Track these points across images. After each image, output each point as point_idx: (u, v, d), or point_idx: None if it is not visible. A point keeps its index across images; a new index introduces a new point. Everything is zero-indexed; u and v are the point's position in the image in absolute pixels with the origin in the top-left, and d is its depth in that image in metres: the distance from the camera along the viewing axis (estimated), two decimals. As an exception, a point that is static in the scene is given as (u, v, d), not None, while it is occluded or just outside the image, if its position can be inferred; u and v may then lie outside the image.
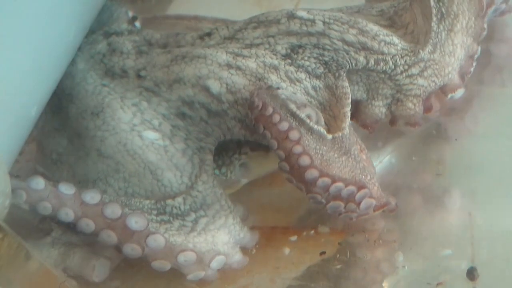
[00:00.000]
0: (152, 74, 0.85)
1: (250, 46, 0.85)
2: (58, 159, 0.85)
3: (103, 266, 0.80)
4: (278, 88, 0.81)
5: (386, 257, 0.84)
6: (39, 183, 0.76)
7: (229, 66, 0.82)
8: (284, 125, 0.77)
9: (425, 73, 0.85)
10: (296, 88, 0.83)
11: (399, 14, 0.89)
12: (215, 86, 0.82)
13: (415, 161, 0.93)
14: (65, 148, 0.85)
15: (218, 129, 0.83)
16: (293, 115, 0.78)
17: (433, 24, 0.85)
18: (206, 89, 0.82)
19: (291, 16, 0.85)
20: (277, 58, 0.84)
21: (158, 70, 0.85)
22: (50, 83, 0.83)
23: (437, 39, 0.85)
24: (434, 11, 0.85)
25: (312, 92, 0.83)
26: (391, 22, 0.89)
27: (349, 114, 0.81)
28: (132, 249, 0.76)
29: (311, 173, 0.78)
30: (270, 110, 0.78)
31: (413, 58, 0.84)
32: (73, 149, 0.85)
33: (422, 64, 0.84)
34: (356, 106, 0.87)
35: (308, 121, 0.78)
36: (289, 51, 0.84)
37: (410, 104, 0.86)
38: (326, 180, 0.78)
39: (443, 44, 0.85)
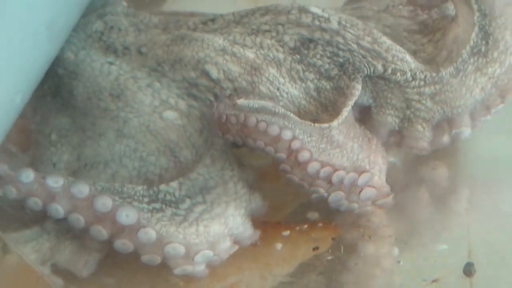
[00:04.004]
0: (152, 52, 0.84)
1: (257, 32, 0.83)
2: (58, 140, 0.84)
3: (94, 260, 0.79)
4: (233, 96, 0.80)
5: (381, 252, 0.83)
6: (28, 175, 0.74)
7: (224, 51, 0.81)
8: (275, 129, 0.77)
9: (437, 98, 0.83)
10: (295, 86, 0.81)
11: (434, 18, 0.87)
12: (213, 71, 0.81)
13: (410, 156, 0.92)
14: (68, 129, 0.84)
15: None
16: (275, 114, 0.77)
17: (464, 52, 0.82)
18: (206, 74, 0.81)
19: (303, 10, 0.83)
20: (284, 52, 0.82)
21: (158, 48, 0.84)
22: (36, 70, 0.81)
23: (462, 67, 0.83)
24: (472, 43, 0.83)
25: (314, 93, 0.82)
26: (423, 27, 0.87)
27: (345, 113, 0.79)
28: (123, 243, 0.75)
29: (313, 166, 0.78)
30: (253, 120, 0.77)
31: (433, 75, 0.82)
32: (78, 129, 0.84)
33: (438, 87, 0.82)
34: (368, 113, 0.86)
35: (290, 114, 0.77)
36: (298, 44, 0.82)
37: (419, 127, 0.85)
38: (328, 169, 0.78)
39: (466, 75, 0.83)
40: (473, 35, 0.83)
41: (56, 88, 0.86)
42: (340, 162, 0.78)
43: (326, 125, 0.77)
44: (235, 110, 0.78)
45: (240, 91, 0.80)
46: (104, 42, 0.86)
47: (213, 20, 0.87)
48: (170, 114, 0.82)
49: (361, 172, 0.79)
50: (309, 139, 0.77)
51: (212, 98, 0.82)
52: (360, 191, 0.80)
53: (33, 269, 0.76)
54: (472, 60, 0.83)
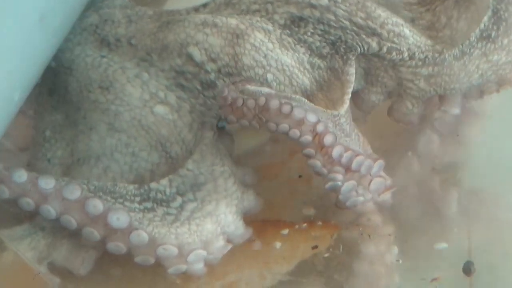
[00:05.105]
0: (142, 43, 0.84)
1: (246, 12, 0.82)
2: (52, 136, 0.84)
3: (91, 258, 0.78)
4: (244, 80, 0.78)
5: (380, 251, 0.83)
6: (21, 176, 0.74)
7: (204, 24, 0.80)
8: (300, 112, 0.74)
9: (432, 80, 0.82)
10: (287, 54, 0.79)
11: None
12: (195, 53, 0.80)
13: (411, 155, 0.92)
14: (62, 125, 0.84)
15: (216, 102, 0.80)
16: (290, 98, 0.75)
17: (473, 35, 0.80)
18: (191, 58, 0.80)
19: None
20: (273, 25, 0.80)
21: (146, 38, 0.84)
22: (35, 68, 0.81)
23: (467, 50, 0.81)
24: (482, 26, 0.80)
25: (307, 66, 0.80)
26: (421, 0, 0.85)
27: (348, 101, 0.78)
28: (116, 245, 0.74)
29: (337, 150, 0.76)
30: (275, 102, 0.75)
31: (435, 55, 0.80)
32: (71, 124, 0.84)
33: (436, 69, 0.81)
34: (355, 91, 0.84)
35: (305, 100, 0.75)
36: (288, 22, 0.81)
37: (408, 104, 0.84)
38: (350, 154, 0.77)
39: (470, 60, 0.81)
40: (486, 18, 0.81)
41: (52, 85, 0.86)
42: (357, 148, 0.78)
43: (336, 112, 0.76)
44: (245, 95, 0.76)
45: (225, 71, 0.79)
46: (98, 35, 0.86)
47: (204, 5, 0.86)
48: (161, 109, 0.81)
49: (375, 159, 0.79)
50: (329, 124, 0.76)
51: (199, 87, 0.81)
52: (371, 181, 0.80)
53: (29, 266, 0.75)
54: (479, 45, 0.81)
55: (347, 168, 0.78)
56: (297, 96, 0.75)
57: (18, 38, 0.75)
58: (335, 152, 0.76)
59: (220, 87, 0.78)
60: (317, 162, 0.77)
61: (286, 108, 0.74)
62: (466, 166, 0.92)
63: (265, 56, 0.79)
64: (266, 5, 0.82)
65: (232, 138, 0.84)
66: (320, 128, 0.75)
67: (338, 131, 0.76)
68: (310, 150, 0.76)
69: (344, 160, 0.77)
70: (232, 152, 0.83)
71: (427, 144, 0.92)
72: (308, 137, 0.75)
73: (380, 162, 0.79)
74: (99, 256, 0.78)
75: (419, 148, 0.92)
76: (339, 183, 0.79)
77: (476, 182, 0.90)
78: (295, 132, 0.75)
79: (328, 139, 0.76)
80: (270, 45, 0.79)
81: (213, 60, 0.79)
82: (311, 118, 0.75)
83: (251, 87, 0.76)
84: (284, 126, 0.75)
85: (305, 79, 0.80)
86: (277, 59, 0.79)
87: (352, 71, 0.79)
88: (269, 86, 0.78)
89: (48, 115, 0.85)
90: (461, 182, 0.91)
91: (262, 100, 0.75)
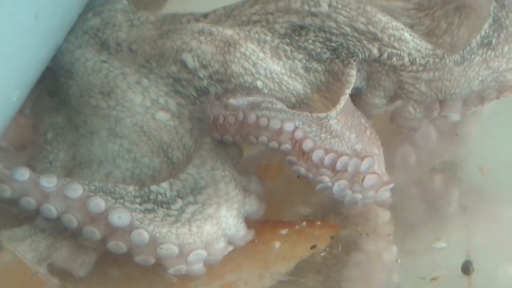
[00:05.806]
0: (141, 49, 0.84)
1: (247, 23, 0.82)
2: (54, 138, 0.84)
3: (91, 260, 0.78)
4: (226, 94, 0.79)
5: (379, 251, 0.82)
6: (23, 174, 0.74)
7: (201, 32, 0.80)
8: (276, 123, 0.76)
9: (433, 84, 0.82)
10: (278, 63, 0.80)
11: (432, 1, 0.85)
12: (189, 59, 0.80)
13: (410, 154, 0.92)
14: (63, 127, 0.85)
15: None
16: (271, 109, 0.76)
17: (474, 42, 0.80)
18: (184, 65, 0.81)
19: None
20: (272, 36, 0.81)
21: (146, 44, 0.84)
22: (33, 68, 0.81)
23: (468, 56, 0.81)
24: (483, 33, 0.81)
25: (301, 71, 0.80)
26: (418, 6, 0.85)
27: (343, 102, 0.78)
28: (116, 244, 0.74)
29: (318, 154, 0.77)
30: (252, 117, 0.76)
31: (436, 60, 0.80)
32: (72, 127, 0.84)
33: (437, 74, 0.81)
34: (357, 93, 0.85)
35: (285, 108, 0.76)
36: (289, 31, 0.81)
37: (411, 109, 0.84)
38: (332, 156, 0.77)
39: (470, 66, 0.81)
40: (486, 25, 0.81)
41: (53, 87, 0.86)
42: (342, 149, 0.78)
43: (323, 114, 0.76)
44: (228, 110, 0.77)
45: (216, 78, 0.80)
46: (99, 38, 0.86)
47: (205, 15, 0.87)
48: (162, 116, 0.82)
49: (363, 157, 0.79)
50: (309, 129, 0.76)
51: (194, 93, 0.82)
52: (363, 179, 0.80)
53: (27, 266, 0.75)
54: (480, 51, 0.81)
55: (333, 169, 0.78)
56: (279, 106, 0.76)
57: (13, 36, 0.75)
58: (315, 156, 0.77)
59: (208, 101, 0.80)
60: (301, 168, 0.78)
61: (262, 121, 0.76)
62: (465, 165, 0.92)
63: (254, 65, 0.79)
64: (266, 16, 0.82)
65: (240, 149, 0.84)
66: (298, 135, 0.76)
67: (323, 134, 0.77)
68: (292, 158, 0.78)
69: (327, 162, 0.78)
70: (239, 162, 0.84)
71: (424, 137, 0.92)
72: (287, 146, 0.77)
73: (368, 159, 0.79)
74: (101, 254, 0.78)
75: (417, 143, 0.92)
76: (329, 184, 0.79)
77: (475, 181, 0.90)
78: (274, 144, 0.77)
79: (307, 145, 0.77)
80: (261, 55, 0.80)
81: (205, 67, 0.80)
82: (288, 127, 0.76)
83: (234, 101, 0.77)
84: (263, 138, 0.77)
85: (296, 84, 0.80)
86: (266, 67, 0.79)
87: (352, 73, 0.79)
88: (260, 92, 0.79)
89: (48, 117, 0.85)
90: (460, 181, 0.91)
91: (240, 116, 0.76)
